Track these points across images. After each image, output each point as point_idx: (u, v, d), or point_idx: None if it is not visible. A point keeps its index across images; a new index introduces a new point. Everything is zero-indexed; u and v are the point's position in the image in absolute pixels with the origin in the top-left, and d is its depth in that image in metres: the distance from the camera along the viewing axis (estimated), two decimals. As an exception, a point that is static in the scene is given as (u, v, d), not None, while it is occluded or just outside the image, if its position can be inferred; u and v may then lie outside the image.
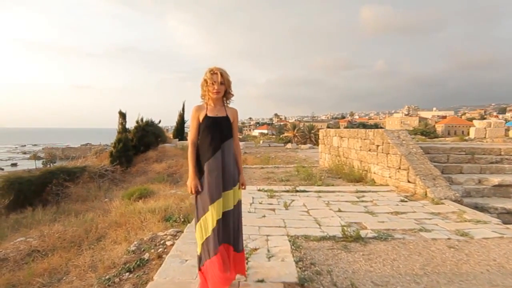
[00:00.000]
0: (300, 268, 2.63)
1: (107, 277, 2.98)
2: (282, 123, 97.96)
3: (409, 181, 5.67)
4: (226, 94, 2.33)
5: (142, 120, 21.44)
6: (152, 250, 3.37)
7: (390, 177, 6.22)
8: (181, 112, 27.19)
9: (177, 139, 23.86)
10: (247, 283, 2.36)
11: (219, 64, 2.31)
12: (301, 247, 3.07)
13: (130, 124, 20.53)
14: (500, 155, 6.54)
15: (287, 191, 5.76)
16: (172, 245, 3.39)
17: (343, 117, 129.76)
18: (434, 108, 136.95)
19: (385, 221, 3.99)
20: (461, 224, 3.85)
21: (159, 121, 21.68)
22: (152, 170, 17.32)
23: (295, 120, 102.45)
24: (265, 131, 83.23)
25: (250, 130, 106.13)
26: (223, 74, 2.26)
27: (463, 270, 2.65)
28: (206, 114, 2.27)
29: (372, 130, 7.03)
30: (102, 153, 21.04)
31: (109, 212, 6.74)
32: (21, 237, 6.28)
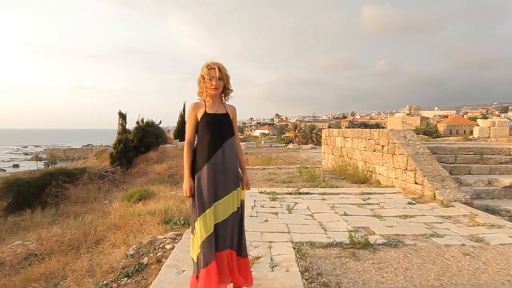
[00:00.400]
0: (306, 279, 2.43)
1: (104, 282, 2.90)
2: (283, 123, 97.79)
3: (416, 183, 5.47)
4: (224, 90, 2.18)
5: (142, 120, 21.30)
6: (151, 254, 3.29)
7: (396, 178, 6.01)
8: (182, 112, 27.05)
9: (178, 140, 23.70)
10: (248, 297, 2.18)
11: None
12: (306, 255, 2.88)
13: (131, 125, 20.41)
14: (510, 155, 6.33)
15: (290, 194, 5.57)
16: (172, 248, 3.29)
17: (344, 117, 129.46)
18: (436, 108, 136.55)
19: (394, 225, 3.80)
20: (474, 229, 3.65)
21: (160, 122, 21.53)
22: (153, 171, 17.17)
23: (296, 120, 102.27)
24: (266, 131, 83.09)
25: (251, 130, 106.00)
26: (221, 69, 2.11)
27: (482, 281, 2.46)
28: (205, 111, 2.11)
29: (377, 130, 6.83)
30: (102, 154, 20.91)
31: (109, 214, 6.64)
32: (19, 240, 6.17)
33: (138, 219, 5.12)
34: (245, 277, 2.19)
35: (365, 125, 67.91)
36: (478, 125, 15.20)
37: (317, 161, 11.69)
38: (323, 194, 5.56)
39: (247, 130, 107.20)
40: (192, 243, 2.10)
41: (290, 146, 20.45)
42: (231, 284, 2.16)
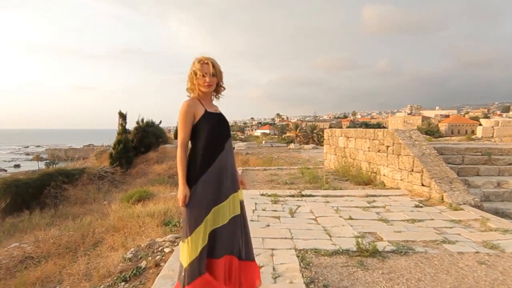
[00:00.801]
0: (311, 292, 2.26)
1: (101, 287, 2.86)
2: (284, 123, 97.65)
3: (423, 185, 5.29)
4: (217, 87, 2.02)
5: (142, 120, 21.14)
6: (150, 258, 3.21)
7: (401, 180, 5.83)
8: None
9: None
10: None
11: (218, 60, 1.99)
12: (311, 264, 2.70)
13: (132, 125, 20.26)
14: (519, 155, 6.14)
15: (292, 196, 5.39)
16: (171, 252, 3.20)
17: (345, 117, 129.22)
18: (437, 107, 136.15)
19: (402, 230, 3.61)
20: (487, 234, 3.46)
21: (160, 122, 21.37)
22: (153, 172, 17.02)
23: (297, 120, 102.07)
24: (267, 131, 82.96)
25: (252, 130, 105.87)
26: (214, 65, 1.95)
27: (502, 293, 2.28)
28: (205, 110, 1.95)
29: (382, 130, 6.65)
30: (103, 154, 20.77)
31: (108, 216, 6.56)
32: (16, 243, 6.08)
33: (137, 221, 5.05)
34: (252, 282, 2.06)
35: (366, 125, 67.71)
36: (480, 125, 14.99)
37: (318, 161, 11.51)
38: (327, 196, 5.38)
39: (248, 130, 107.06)
40: (182, 250, 1.94)
41: (292, 146, 20.27)
42: None
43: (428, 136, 21.18)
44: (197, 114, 1.93)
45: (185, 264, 1.89)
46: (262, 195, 5.43)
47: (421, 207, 4.67)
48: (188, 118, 1.92)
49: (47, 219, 9.58)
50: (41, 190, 13.44)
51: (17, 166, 44.60)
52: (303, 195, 5.41)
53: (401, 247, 3.05)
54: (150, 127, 20.99)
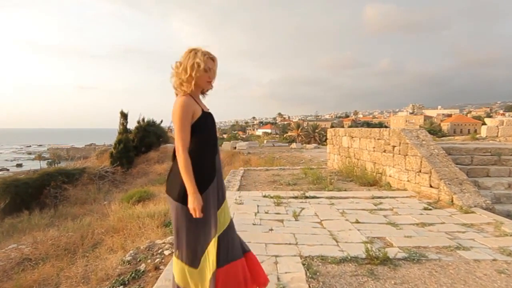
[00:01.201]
0: (319, 305, 2.08)
1: None
2: (285, 123, 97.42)
3: (431, 186, 5.10)
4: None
5: (143, 120, 21.01)
6: (149, 261, 3.15)
7: (408, 181, 5.64)
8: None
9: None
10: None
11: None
12: (318, 273, 2.52)
13: (133, 125, 20.14)
14: (530, 156, 5.93)
15: (296, 197, 5.21)
16: (171, 255, 3.11)
17: (347, 116, 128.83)
18: (439, 107, 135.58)
19: (412, 235, 3.43)
20: (503, 240, 3.28)
21: (161, 121, 21.22)
22: (154, 171, 16.90)
23: (299, 119, 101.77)
24: (269, 131, 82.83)
25: (253, 129, 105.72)
26: (217, 63, 1.83)
27: (526, 307, 2.10)
28: (202, 110, 1.80)
29: (387, 129, 6.45)
30: (103, 154, 20.66)
31: (107, 216, 6.46)
32: (14, 244, 5.99)
33: (136, 222, 4.95)
34: (258, 276, 1.95)
35: (368, 124, 67.43)
36: (484, 124, 14.77)
37: (321, 161, 11.33)
38: (331, 198, 5.20)
39: (250, 129, 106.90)
40: (179, 269, 1.77)
41: (293, 145, 20.09)
42: None
43: (432, 136, 20.93)
44: (196, 113, 1.76)
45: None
46: (264, 196, 5.25)
47: (430, 209, 4.49)
48: (189, 118, 1.74)
49: (46, 220, 9.50)
50: (41, 190, 13.34)
51: (19, 165, 44.71)
52: (306, 197, 5.23)
53: (413, 254, 2.87)
54: (151, 126, 20.86)
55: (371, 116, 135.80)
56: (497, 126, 13.13)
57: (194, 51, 1.76)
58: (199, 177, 1.74)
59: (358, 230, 3.59)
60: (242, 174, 7.83)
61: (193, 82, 1.75)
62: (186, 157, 1.71)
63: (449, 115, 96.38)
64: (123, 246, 4.13)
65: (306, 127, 45.56)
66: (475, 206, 4.41)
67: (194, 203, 1.69)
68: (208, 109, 1.89)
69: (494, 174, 5.62)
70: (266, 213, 4.29)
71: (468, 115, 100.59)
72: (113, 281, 2.87)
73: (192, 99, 1.78)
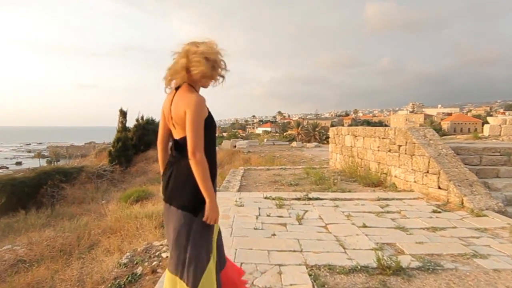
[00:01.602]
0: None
1: None
2: (285, 121, 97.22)
3: (440, 187, 4.89)
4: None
5: (142, 118, 20.83)
6: (146, 263, 3.06)
7: (415, 182, 5.43)
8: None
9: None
10: None
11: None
12: (326, 285, 2.31)
13: (132, 123, 19.94)
14: (541, 156, 5.72)
15: (298, 199, 5.00)
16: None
17: (347, 115, 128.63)
18: (439, 105, 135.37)
19: (424, 241, 3.22)
20: (521, 246, 3.07)
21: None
22: (153, 170, 16.69)
23: (299, 118, 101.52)
24: (269, 129, 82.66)
25: (253, 128, 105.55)
26: None
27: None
28: (209, 110, 1.65)
29: (393, 128, 6.23)
30: (102, 152, 20.46)
31: (105, 216, 6.34)
32: (8, 245, 5.83)
33: (134, 223, 4.84)
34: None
35: (368, 123, 67.21)
36: (485, 123, 14.55)
37: (322, 160, 11.13)
38: (335, 199, 4.99)
39: (250, 128, 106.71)
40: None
41: (294, 144, 19.88)
42: None
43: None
44: (205, 114, 1.61)
45: None
46: (266, 198, 5.05)
47: (439, 212, 4.28)
48: (204, 117, 1.59)
49: (43, 219, 9.34)
50: (38, 189, 13.14)
51: (19, 163, 44.58)
52: (310, 198, 5.02)
53: (428, 263, 2.66)
54: (150, 124, 20.67)
55: (371, 115, 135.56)
56: (500, 125, 12.92)
57: (211, 44, 1.60)
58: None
59: (366, 235, 3.38)
60: (242, 174, 7.62)
61: (210, 79, 1.64)
62: (205, 162, 1.55)
63: (449, 114, 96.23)
64: (120, 247, 4.03)
65: (306, 126, 45.27)
66: (486, 209, 4.20)
67: (216, 212, 1.59)
68: None
69: (504, 175, 5.41)
70: (268, 216, 4.08)
71: (468, 114, 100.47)
72: (109, 285, 2.79)
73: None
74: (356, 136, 7.65)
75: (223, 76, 1.66)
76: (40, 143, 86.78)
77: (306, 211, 4.33)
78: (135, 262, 3.13)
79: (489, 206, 4.25)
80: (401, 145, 5.86)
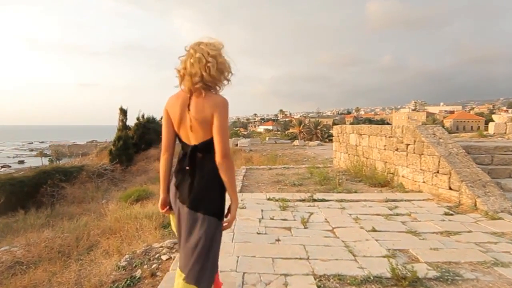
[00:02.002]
0: None
1: None
2: (287, 119, 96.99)
3: (451, 188, 4.68)
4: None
5: (143, 116, 20.66)
6: (145, 266, 2.97)
7: (424, 182, 5.22)
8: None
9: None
10: None
11: None
12: (337, 299, 2.12)
13: (133, 121, 19.79)
14: (555, 155, 5.50)
15: (303, 200, 4.80)
16: (169, 260, 2.97)
17: (349, 113, 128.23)
18: (442, 103, 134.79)
19: (439, 247, 3.01)
20: (544, 253, 2.86)
21: (161, 118, 20.85)
22: (154, 169, 16.52)
23: (301, 116, 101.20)
24: (270, 127, 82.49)
25: (255, 126, 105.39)
26: None
27: None
28: None
29: (400, 126, 6.02)
30: (103, 151, 20.33)
31: (105, 216, 6.21)
32: (6, 246, 5.70)
33: (134, 223, 4.73)
34: None
35: (370, 121, 66.89)
36: (492, 121, 14.33)
37: (326, 159, 10.93)
38: (341, 201, 4.78)
39: (251, 126, 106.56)
40: None
41: (296, 142, 19.68)
42: None
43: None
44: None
45: None
46: (269, 199, 4.85)
47: (451, 215, 4.07)
48: None
49: (42, 219, 9.23)
50: (38, 188, 13.01)
51: (21, 162, 44.66)
52: (314, 200, 4.82)
53: (446, 273, 2.45)
54: (151, 123, 20.51)
55: (372, 113, 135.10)
56: (505, 123, 12.68)
57: (222, 47, 1.58)
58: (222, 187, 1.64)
59: (376, 240, 3.18)
60: (244, 174, 7.43)
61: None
62: (233, 164, 1.60)
63: (452, 112, 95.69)
64: (119, 249, 3.93)
65: (308, 124, 45.03)
66: (502, 211, 3.99)
67: (236, 213, 1.64)
68: None
69: (517, 175, 5.20)
70: (272, 219, 3.88)
71: (471, 111, 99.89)
72: (107, 289, 2.67)
73: None
74: (361, 135, 7.43)
75: (229, 80, 1.63)
76: (43, 142, 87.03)
77: (312, 213, 4.12)
78: (134, 265, 3.04)
79: (504, 208, 4.04)
80: (409, 144, 5.64)
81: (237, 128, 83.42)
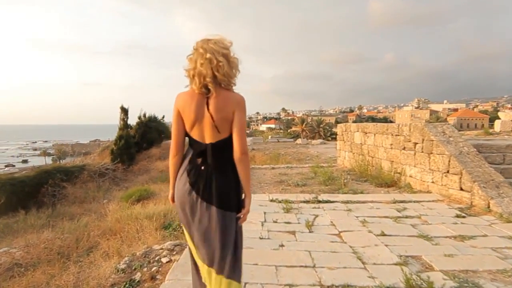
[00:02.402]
0: None
1: None
2: (289, 118, 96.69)
3: (462, 189, 4.48)
4: None
5: (144, 115, 20.54)
6: (145, 269, 2.91)
7: (433, 182, 5.02)
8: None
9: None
10: None
11: None
12: (347, 314, 1.94)
13: (134, 120, 19.69)
14: None
15: (307, 202, 4.62)
16: (168, 262, 2.91)
17: (351, 111, 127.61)
18: (445, 101, 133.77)
19: (454, 253, 2.82)
20: None
21: (163, 117, 20.72)
22: (155, 168, 16.41)
23: (303, 114, 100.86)
24: (273, 126, 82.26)
25: (257, 125, 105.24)
26: None
27: None
28: None
29: (408, 124, 5.81)
30: (105, 151, 20.26)
31: (105, 217, 6.15)
32: (5, 247, 5.59)
33: (134, 224, 4.65)
34: None
35: (372, 119, 66.44)
36: (497, 118, 14.09)
37: (329, 158, 10.74)
38: (347, 202, 4.59)
39: (254, 125, 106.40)
40: None
41: (299, 141, 19.49)
42: None
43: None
44: None
45: None
46: (271, 200, 4.67)
47: (464, 217, 3.87)
48: None
49: (43, 219, 9.15)
50: (38, 188, 12.91)
51: (25, 161, 44.83)
52: (319, 201, 4.64)
53: (464, 283, 2.27)
54: (152, 122, 20.39)
55: (375, 111, 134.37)
56: (511, 121, 12.44)
57: (228, 45, 1.55)
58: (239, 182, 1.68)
59: (386, 245, 2.99)
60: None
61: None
62: (249, 160, 1.64)
63: (455, 110, 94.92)
64: (119, 251, 3.84)
65: (310, 122, 44.78)
66: (517, 214, 3.79)
67: (250, 207, 1.67)
68: None
69: (530, 175, 4.98)
70: (275, 222, 3.70)
71: (475, 109, 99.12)
72: (106, 292, 2.64)
73: None
74: (366, 133, 7.23)
75: (237, 77, 1.62)
76: (46, 141, 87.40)
77: (317, 216, 3.94)
78: (133, 268, 2.98)
79: (519, 210, 3.84)
80: (417, 143, 5.44)
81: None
